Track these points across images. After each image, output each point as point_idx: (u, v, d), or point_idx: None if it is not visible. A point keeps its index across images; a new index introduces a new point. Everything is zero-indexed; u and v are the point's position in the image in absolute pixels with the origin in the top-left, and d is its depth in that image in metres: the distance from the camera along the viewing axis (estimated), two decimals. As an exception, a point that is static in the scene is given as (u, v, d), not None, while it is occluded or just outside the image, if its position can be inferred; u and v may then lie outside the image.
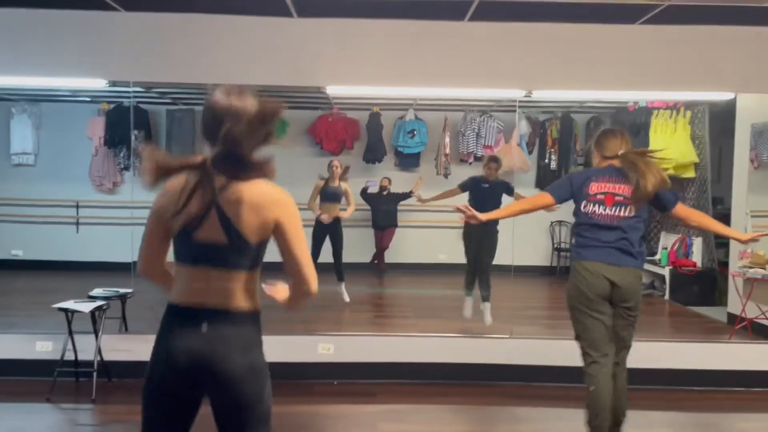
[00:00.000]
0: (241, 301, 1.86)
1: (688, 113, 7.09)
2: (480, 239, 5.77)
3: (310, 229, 6.54)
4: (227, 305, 1.84)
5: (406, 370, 4.50)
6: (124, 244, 4.96)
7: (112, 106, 7.90)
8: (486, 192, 5.70)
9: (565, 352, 4.58)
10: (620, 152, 3.07)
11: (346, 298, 6.36)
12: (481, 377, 4.52)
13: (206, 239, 1.81)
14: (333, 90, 6.01)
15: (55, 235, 8.22)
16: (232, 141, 1.77)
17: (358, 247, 8.09)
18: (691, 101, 6.97)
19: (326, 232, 6.43)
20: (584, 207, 3.10)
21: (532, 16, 4.22)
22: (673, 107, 7.10)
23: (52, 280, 7.21)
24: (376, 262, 8.15)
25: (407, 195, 7.87)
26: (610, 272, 3.03)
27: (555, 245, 8.57)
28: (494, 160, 5.84)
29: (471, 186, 5.93)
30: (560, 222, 8.59)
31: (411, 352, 4.54)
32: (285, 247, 1.86)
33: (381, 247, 8.05)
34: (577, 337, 3.19)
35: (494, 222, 5.48)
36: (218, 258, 1.82)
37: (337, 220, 6.49)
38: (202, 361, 1.80)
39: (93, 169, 8.22)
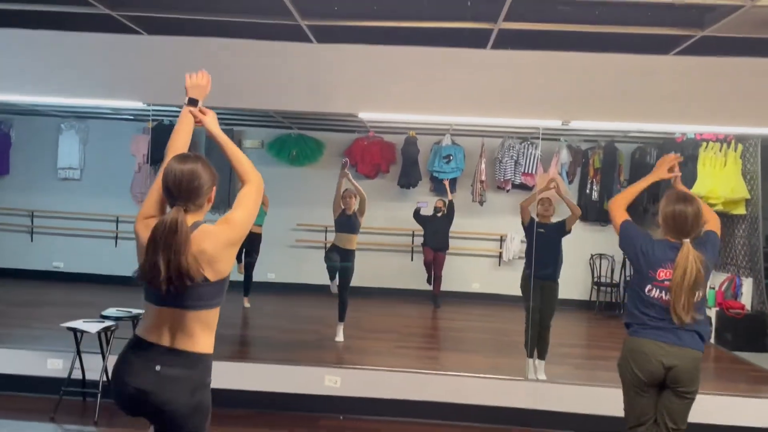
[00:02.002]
0: (197, 344, 2.04)
1: (740, 147, 6.69)
2: (542, 293, 5.31)
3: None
4: (184, 347, 2.03)
5: (415, 408, 4.31)
6: None
7: (156, 124, 8.08)
8: (541, 237, 5.20)
9: (596, 399, 4.34)
10: (686, 240, 2.78)
11: (340, 338, 5.91)
12: (495, 420, 4.29)
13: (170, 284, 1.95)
14: (365, 115, 5.96)
15: (95, 249, 8.42)
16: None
17: (390, 272, 7.99)
18: (743, 134, 6.58)
19: (338, 262, 6.12)
20: (648, 291, 2.83)
21: (555, 45, 4.04)
22: (723, 140, 6.72)
23: (88, 293, 7.36)
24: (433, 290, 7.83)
25: (452, 205, 7.68)
26: (669, 354, 2.77)
27: (595, 279, 8.21)
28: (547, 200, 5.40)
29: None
30: (601, 255, 8.24)
31: (422, 390, 4.34)
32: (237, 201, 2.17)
33: (431, 265, 7.74)
34: (624, 402, 2.98)
35: (556, 273, 5.28)
36: (180, 299, 1.99)
37: (351, 253, 6.14)
38: (151, 398, 1.99)
39: (135, 185, 8.39)
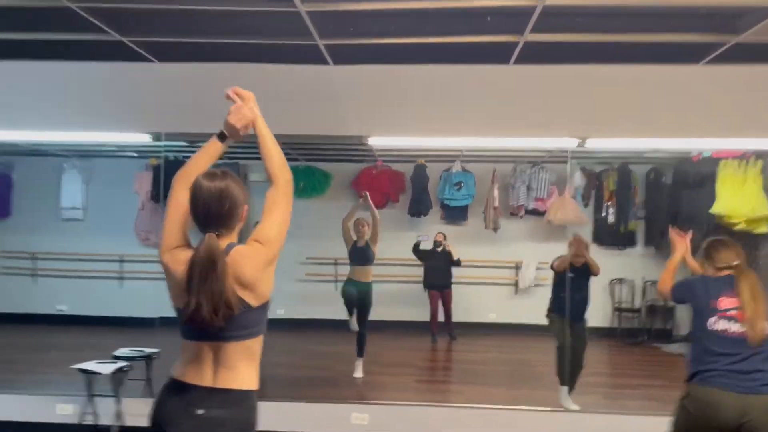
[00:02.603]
0: (240, 379, 1.86)
1: (759, 163, 6.54)
2: (573, 332, 5.01)
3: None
4: (227, 385, 1.84)
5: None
6: (165, 299, 4.82)
7: (160, 160, 7.96)
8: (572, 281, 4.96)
9: (631, 428, 4.10)
10: (735, 263, 2.72)
11: (359, 374, 5.65)
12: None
13: None
14: (375, 141, 5.81)
15: (99, 290, 8.20)
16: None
17: (404, 304, 7.76)
18: (764, 151, 6.44)
19: (355, 295, 5.90)
20: (714, 324, 2.66)
21: (583, 58, 3.92)
22: (742, 157, 6.58)
23: (95, 335, 7.12)
24: (433, 336, 7.51)
25: (457, 262, 7.47)
26: (743, 406, 2.55)
27: (615, 305, 7.97)
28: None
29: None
30: (621, 280, 8.02)
31: (453, 424, 4.09)
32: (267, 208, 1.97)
33: (437, 309, 7.50)
34: None
35: (584, 308, 5.06)
36: (221, 330, 1.81)
37: (368, 286, 5.91)
38: None
39: (139, 223, 8.20)
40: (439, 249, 7.47)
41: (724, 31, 3.46)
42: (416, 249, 7.45)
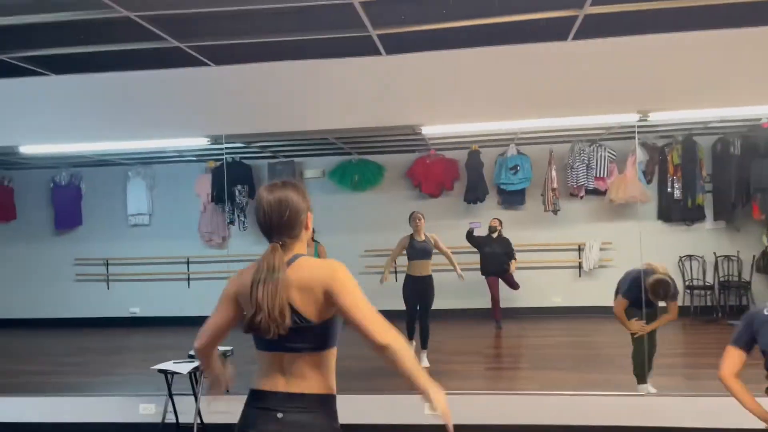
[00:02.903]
0: (314, 386, 1.90)
1: (838, 125, 6.17)
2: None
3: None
4: (301, 390, 1.89)
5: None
6: None
7: (218, 163, 8.13)
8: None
9: (714, 411, 3.94)
10: None
11: (425, 364, 5.60)
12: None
13: None
14: (428, 130, 5.76)
15: (169, 292, 8.45)
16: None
17: (465, 292, 7.68)
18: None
19: (417, 290, 5.87)
20: None
21: (644, 28, 3.76)
22: (819, 120, 6.22)
23: (167, 336, 7.36)
24: (497, 322, 7.34)
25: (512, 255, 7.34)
26: None
27: (687, 282, 7.68)
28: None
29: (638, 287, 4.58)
30: (690, 257, 7.73)
31: (528, 412, 4.03)
32: (343, 313, 1.85)
33: (498, 295, 7.36)
34: None
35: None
36: (287, 342, 1.85)
37: (429, 279, 5.88)
38: None
39: (202, 225, 8.44)
40: (494, 235, 7.35)
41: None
42: (470, 236, 7.33)
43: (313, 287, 1.83)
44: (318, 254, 6.39)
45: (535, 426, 4.02)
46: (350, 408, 4.11)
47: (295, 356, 1.88)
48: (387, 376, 5.04)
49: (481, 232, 7.46)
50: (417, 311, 5.87)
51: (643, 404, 4.12)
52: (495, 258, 7.37)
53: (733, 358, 2.63)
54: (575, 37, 3.84)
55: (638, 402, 4.15)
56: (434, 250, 6.01)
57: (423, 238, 5.91)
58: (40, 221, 8.71)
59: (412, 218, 6.01)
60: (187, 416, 4.06)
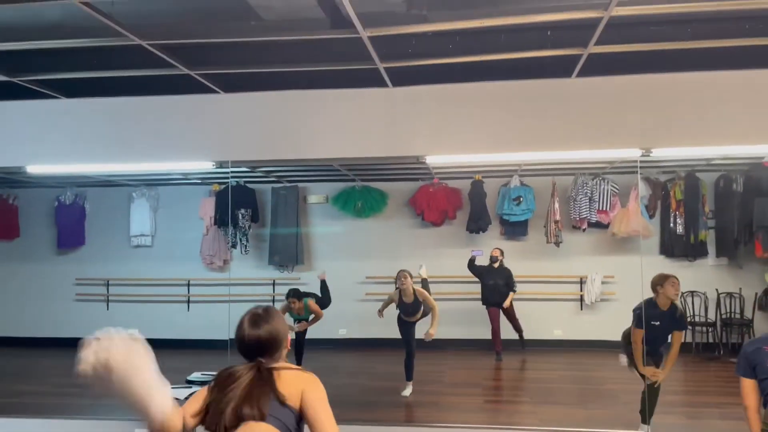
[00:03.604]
0: None
1: (839, 166, 6.21)
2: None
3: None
4: None
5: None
6: (232, 322, 4.95)
7: (222, 186, 8.18)
8: (657, 328, 4.47)
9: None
10: None
11: (406, 392, 5.76)
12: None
13: None
14: (432, 159, 5.80)
15: (169, 314, 8.44)
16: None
17: (466, 322, 7.65)
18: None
19: (408, 331, 6.00)
20: None
21: (647, 67, 3.82)
22: (819, 160, 6.27)
23: (164, 359, 7.29)
24: (497, 354, 7.33)
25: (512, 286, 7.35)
26: None
27: (689, 318, 7.64)
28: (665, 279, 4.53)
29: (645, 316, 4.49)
30: (692, 293, 7.70)
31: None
32: (309, 412, 1.93)
33: (499, 325, 7.37)
34: None
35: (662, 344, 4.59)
36: None
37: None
38: None
39: (204, 247, 8.45)
40: (496, 264, 7.36)
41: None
42: (471, 265, 7.36)
43: (293, 396, 1.93)
44: (308, 308, 6.39)
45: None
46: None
47: None
48: (383, 407, 5.02)
49: (482, 260, 7.48)
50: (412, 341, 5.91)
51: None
52: (495, 288, 7.37)
53: (747, 388, 2.84)
54: (579, 75, 3.90)
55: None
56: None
57: (411, 299, 5.84)
58: (43, 240, 8.73)
59: (398, 277, 5.92)
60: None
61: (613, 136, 4.14)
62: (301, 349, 6.30)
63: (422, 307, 5.87)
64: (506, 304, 7.28)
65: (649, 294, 4.70)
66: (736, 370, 2.92)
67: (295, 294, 6.23)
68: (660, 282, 4.45)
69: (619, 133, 4.12)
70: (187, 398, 3.90)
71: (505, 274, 7.38)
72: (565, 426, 4.33)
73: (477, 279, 7.49)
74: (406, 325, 5.97)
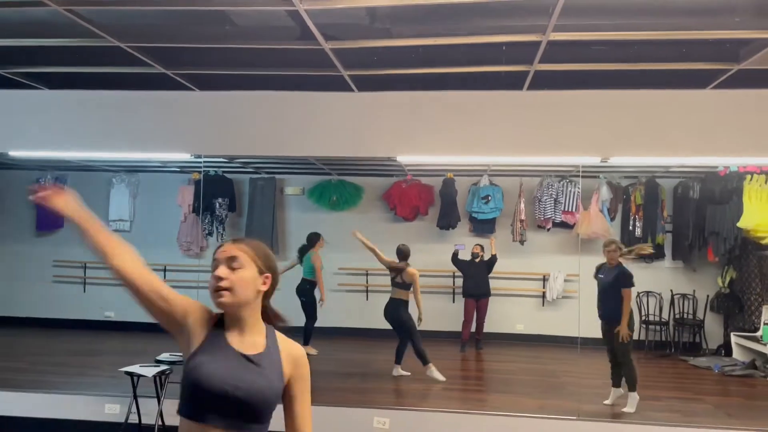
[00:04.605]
0: None
1: (787, 178, 6.57)
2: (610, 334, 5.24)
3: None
4: None
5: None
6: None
7: (202, 175, 8.37)
8: (605, 286, 5.27)
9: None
10: None
11: (395, 373, 6.16)
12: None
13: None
14: (403, 159, 6.08)
15: (144, 298, 8.61)
16: None
17: (433, 314, 7.96)
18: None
19: (391, 310, 6.31)
20: None
21: (593, 84, 4.12)
22: (768, 172, 6.62)
23: (140, 341, 7.52)
24: (462, 345, 7.76)
25: (494, 259, 7.73)
26: None
27: (643, 318, 8.02)
28: (612, 242, 5.41)
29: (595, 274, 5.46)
30: (648, 293, 8.07)
31: (475, 430, 4.31)
32: (293, 396, 1.73)
33: (471, 317, 7.77)
34: None
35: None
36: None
37: (401, 306, 6.28)
38: None
39: (182, 234, 8.63)
40: (477, 260, 7.70)
41: (728, 60, 3.62)
42: (455, 259, 7.73)
43: (292, 356, 1.73)
44: (312, 263, 6.90)
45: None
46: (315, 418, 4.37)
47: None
48: (346, 392, 5.27)
49: (464, 254, 7.81)
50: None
51: (587, 428, 4.39)
52: (476, 281, 7.75)
53: None
54: (529, 88, 4.19)
55: (583, 426, 4.42)
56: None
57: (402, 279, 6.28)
58: (22, 222, 8.88)
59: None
60: (149, 418, 4.29)
61: (573, 144, 4.43)
62: None
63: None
64: (493, 250, 7.72)
65: None
66: None
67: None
68: (604, 246, 5.38)
69: (579, 142, 4.42)
70: (156, 375, 4.16)
71: (485, 269, 7.73)
72: (515, 412, 4.62)
73: (451, 273, 7.91)
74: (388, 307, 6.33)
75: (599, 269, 5.41)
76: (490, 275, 7.80)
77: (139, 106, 4.67)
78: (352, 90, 4.38)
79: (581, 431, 4.32)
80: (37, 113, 4.73)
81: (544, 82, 4.06)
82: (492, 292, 7.97)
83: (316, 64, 3.81)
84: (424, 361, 6.06)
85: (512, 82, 4.12)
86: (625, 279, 5.19)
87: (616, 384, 5.29)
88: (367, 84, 4.28)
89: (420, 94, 4.39)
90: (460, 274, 7.97)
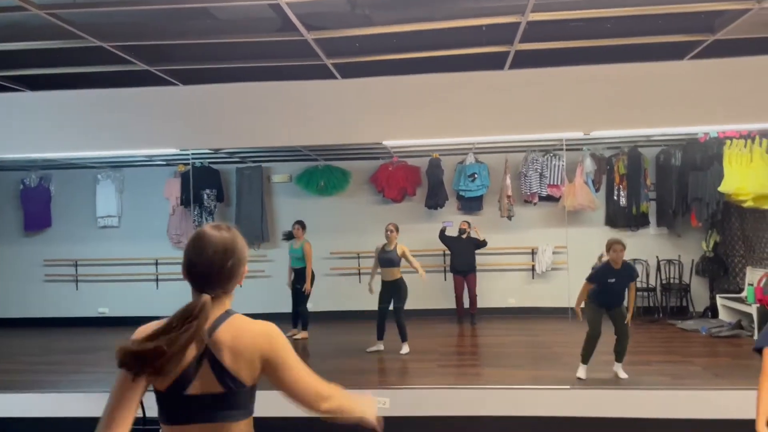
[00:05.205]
0: None
1: (765, 142, 6.69)
2: (614, 317, 5.29)
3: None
4: None
5: (465, 424, 4.39)
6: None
7: (188, 167, 8.36)
8: (614, 285, 5.16)
9: (645, 402, 4.40)
10: None
11: (405, 350, 6.38)
12: (546, 430, 4.36)
13: (200, 392, 1.64)
14: (389, 142, 6.13)
15: (138, 292, 8.67)
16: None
17: (425, 293, 8.08)
18: (766, 130, 6.60)
19: (390, 292, 6.43)
20: None
21: (573, 60, 4.18)
22: (747, 136, 6.73)
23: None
24: (459, 318, 8.05)
25: (484, 243, 7.84)
26: None
27: (631, 285, 8.17)
28: (618, 242, 5.17)
29: (600, 278, 5.19)
30: (635, 260, 8.22)
31: (473, 404, 4.43)
32: (283, 384, 1.70)
33: (462, 293, 7.98)
34: None
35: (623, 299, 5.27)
36: (214, 411, 1.64)
37: (398, 282, 6.42)
38: None
39: (171, 227, 8.64)
40: (464, 236, 7.80)
41: (703, 31, 3.69)
42: (442, 235, 7.84)
43: (251, 354, 1.65)
44: (304, 251, 7.05)
45: (484, 417, 4.41)
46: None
47: (220, 427, 1.64)
48: (344, 374, 5.36)
49: (451, 231, 7.91)
50: (386, 312, 6.42)
51: (582, 396, 4.54)
52: (463, 257, 7.88)
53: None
54: (511, 67, 4.24)
55: (576, 394, 4.57)
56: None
57: (392, 248, 6.41)
58: (9, 222, 8.85)
59: (386, 229, 6.50)
60: (153, 411, 4.34)
61: (555, 120, 4.52)
62: None
63: (399, 262, 6.45)
64: (479, 236, 7.83)
65: (595, 262, 5.70)
66: (758, 343, 2.59)
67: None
68: (607, 247, 5.19)
69: (561, 118, 4.51)
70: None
71: (471, 244, 7.83)
72: (508, 384, 4.75)
73: (440, 251, 8.04)
74: (385, 291, 6.50)
75: (605, 273, 5.16)
76: (481, 251, 7.92)
77: (123, 104, 4.67)
78: (336, 78, 4.40)
79: (576, 400, 4.44)
80: (20, 115, 4.71)
81: (524, 60, 4.11)
82: (482, 267, 8.10)
83: (299, 54, 3.83)
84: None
85: (494, 62, 4.16)
86: (634, 273, 5.31)
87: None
88: (350, 71, 4.32)
89: (404, 78, 4.43)
90: (449, 252, 8.08)
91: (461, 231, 7.85)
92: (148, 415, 1.81)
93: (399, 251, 6.40)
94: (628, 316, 5.23)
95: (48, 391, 4.91)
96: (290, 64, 4.06)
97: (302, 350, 6.82)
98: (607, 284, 5.13)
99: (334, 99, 4.52)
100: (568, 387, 4.65)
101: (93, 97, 4.67)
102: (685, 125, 4.50)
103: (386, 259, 6.40)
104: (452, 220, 8.10)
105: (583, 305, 5.36)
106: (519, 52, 3.92)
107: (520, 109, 4.48)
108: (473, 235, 7.84)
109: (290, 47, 3.73)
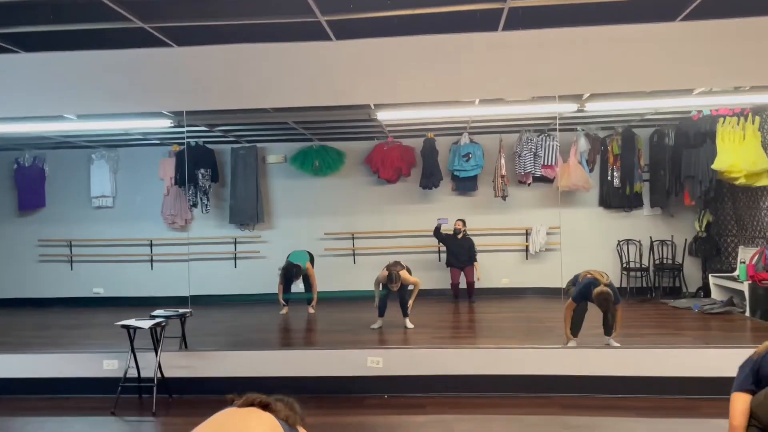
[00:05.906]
0: None
1: (757, 119, 6.74)
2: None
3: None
4: None
5: (456, 383, 4.41)
6: (195, 279, 5.29)
7: (182, 147, 8.36)
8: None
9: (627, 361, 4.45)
10: None
11: (409, 325, 6.28)
12: (534, 389, 4.39)
13: None
14: (383, 115, 6.13)
15: (132, 273, 8.66)
16: None
17: (421, 272, 8.10)
18: (760, 105, 6.64)
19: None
20: None
21: (563, 21, 4.21)
22: (740, 113, 6.78)
23: (129, 315, 7.55)
24: (455, 297, 8.10)
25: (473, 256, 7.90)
26: None
27: (624, 265, 8.23)
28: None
29: (583, 297, 5.07)
30: (628, 241, 8.28)
31: (460, 364, 4.46)
32: None
33: (458, 281, 8.05)
34: None
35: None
36: None
37: (404, 286, 6.35)
38: None
39: (165, 207, 8.63)
40: (459, 236, 7.87)
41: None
42: (437, 233, 7.93)
43: None
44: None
45: (474, 376, 4.44)
46: (304, 361, 4.48)
47: None
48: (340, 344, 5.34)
49: (447, 227, 7.98)
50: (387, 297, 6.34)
51: (566, 354, 4.57)
52: (458, 256, 7.99)
53: (743, 404, 2.48)
54: (504, 28, 4.26)
55: (562, 352, 4.60)
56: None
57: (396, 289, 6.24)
58: (3, 202, 8.82)
59: (392, 271, 6.26)
60: (148, 371, 4.37)
61: (549, 83, 4.48)
62: None
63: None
64: (478, 276, 7.89)
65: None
66: (735, 387, 2.52)
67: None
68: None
69: (555, 80, 4.46)
70: (152, 327, 4.22)
71: (467, 244, 7.91)
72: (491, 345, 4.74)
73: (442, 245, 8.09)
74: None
75: (588, 289, 5.02)
76: (478, 231, 7.97)
77: (118, 66, 4.67)
78: (330, 39, 4.42)
79: (564, 358, 4.47)
80: (13, 78, 4.71)
81: (518, 21, 4.13)
82: (478, 248, 8.12)
83: (294, 10, 3.84)
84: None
85: (487, 23, 4.18)
86: (617, 298, 5.14)
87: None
88: (344, 32, 4.33)
89: (397, 39, 4.44)
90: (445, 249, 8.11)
91: (456, 231, 7.94)
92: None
93: (406, 283, 6.29)
94: (614, 333, 5.09)
95: (47, 351, 4.91)
96: (285, 21, 4.06)
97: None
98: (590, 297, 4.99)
99: (328, 61, 4.53)
100: (559, 346, 4.68)
101: (87, 58, 4.67)
102: (680, 86, 4.48)
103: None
104: (448, 200, 8.13)
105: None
106: (512, 11, 3.94)
107: (514, 70, 4.49)
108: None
109: (285, 2, 3.74)
